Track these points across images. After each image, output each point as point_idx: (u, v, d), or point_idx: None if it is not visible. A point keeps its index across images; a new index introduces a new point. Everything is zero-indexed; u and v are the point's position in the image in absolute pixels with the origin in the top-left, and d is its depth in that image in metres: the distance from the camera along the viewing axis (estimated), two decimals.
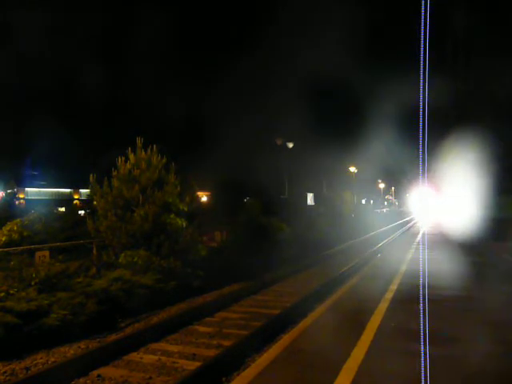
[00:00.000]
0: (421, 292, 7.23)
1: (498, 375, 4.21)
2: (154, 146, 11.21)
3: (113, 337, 6.96)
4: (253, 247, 13.27)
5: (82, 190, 41.27)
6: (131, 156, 11.04)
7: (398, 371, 4.25)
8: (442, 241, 18.29)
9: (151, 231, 10.29)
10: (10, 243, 10.42)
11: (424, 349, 4.67)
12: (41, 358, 6.00)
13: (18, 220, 11.52)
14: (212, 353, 6.06)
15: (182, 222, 10.64)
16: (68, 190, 43.12)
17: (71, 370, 5.39)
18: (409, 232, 29.52)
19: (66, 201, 37.27)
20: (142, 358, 5.99)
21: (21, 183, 37.61)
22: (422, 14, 4.13)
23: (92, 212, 11.70)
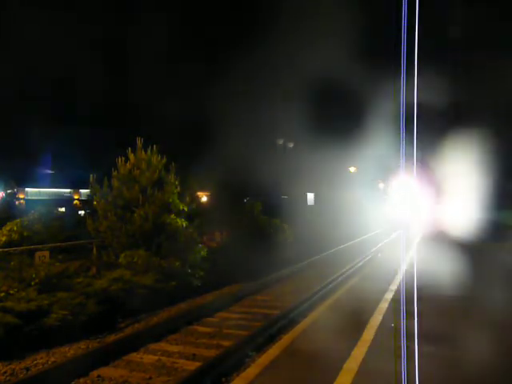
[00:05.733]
0: (419, 292, 7.23)
1: (495, 374, 4.22)
2: (154, 147, 11.21)
3: (113, 337, 6.96)
4: (253, 247, 13.25)
5: (82, 190, 41.26)
6: (131, 156, 11.04)
7: (398, 372, 4.25)
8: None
9: (151, 231, 10.29)
10: (10, 243, 10.42)
11: (425, 349, 4.67)
12: (41, 358, 6.00)
13: (18, 220, 11.53)
14: (212, 353, 6.05)
15: (181, 222, 10.64)
16: (68, 190, 43.12)
17: (71, 370, 5.38)
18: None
19: (66, 201, 37.28)
20: (142, 358, 5.99)
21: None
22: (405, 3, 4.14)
23: (92, 212, 11.70)
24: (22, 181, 36.45)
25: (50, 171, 38.83)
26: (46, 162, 37.71)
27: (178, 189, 11.09)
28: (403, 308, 6.62)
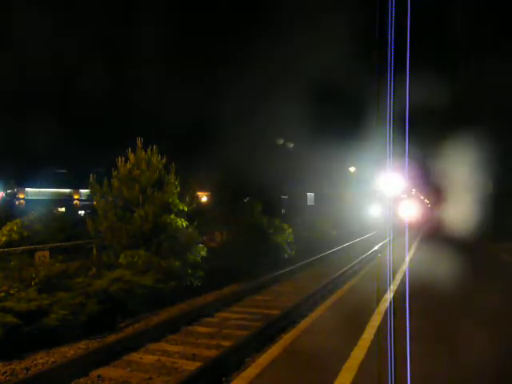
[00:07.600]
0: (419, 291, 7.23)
1: (495, 374, 4.22)
2: (154, 147, 11.20)
3: (113, 337, 6.96)
4: (253, 247, 13.26)
5: (81, 190, 41.17)
6: (131, 156, 11.02)
7: (398, 372, 4.25)
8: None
9: (151, 231, 10.28)
10: (10, 243, 10.40)
11: (424, 349, 4.67)
12: (41, 358, 6.00)
13: (18, 220, 11.50)
14: (212, 353, 6.05)
15: (181, 222, 10.64)
16: (68, 190, 43.05)
17: (71, 371, 5.39)
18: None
19: (66, 201, 37.25)
20: (142, 358, 5.99)
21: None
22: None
23: (92, 212, 11.70)
24: (22, 181, 36.44)
25: (49, 171, 38.88)
26: (46, 161, 37.75)
27: (178, 189, 11.08)
28: (403, 309, 6.62)
